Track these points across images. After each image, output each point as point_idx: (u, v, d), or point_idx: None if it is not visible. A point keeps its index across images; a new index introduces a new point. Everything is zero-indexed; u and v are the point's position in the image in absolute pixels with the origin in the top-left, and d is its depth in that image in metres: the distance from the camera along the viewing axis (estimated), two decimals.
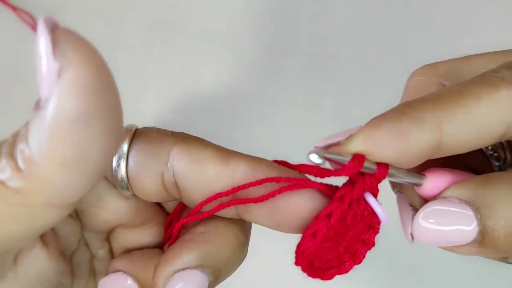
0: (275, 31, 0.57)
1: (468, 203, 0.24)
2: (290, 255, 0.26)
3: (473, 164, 0.31)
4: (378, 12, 0.57)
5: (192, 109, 0.54)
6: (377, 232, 0.27)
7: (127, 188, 0.25)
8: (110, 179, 0.26)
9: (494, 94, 0.24)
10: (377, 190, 0.25)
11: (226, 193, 0.24)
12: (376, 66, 0.54)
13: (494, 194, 0.24)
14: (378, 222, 0.26)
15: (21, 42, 0.56)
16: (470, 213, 0.24)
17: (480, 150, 0.32)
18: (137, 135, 0.26)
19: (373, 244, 0.27)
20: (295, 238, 0.25)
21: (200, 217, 0.25)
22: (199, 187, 0.25)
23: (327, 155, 0.23)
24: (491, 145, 0.31)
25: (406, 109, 0.24)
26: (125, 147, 0.25)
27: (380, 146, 0.23)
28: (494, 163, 0.32)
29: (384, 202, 0.26)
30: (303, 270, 0.26)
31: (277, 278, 0.49)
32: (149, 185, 0.25)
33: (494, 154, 0.32)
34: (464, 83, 0.25)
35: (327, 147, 0.24)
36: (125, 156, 0.25)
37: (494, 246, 0.24)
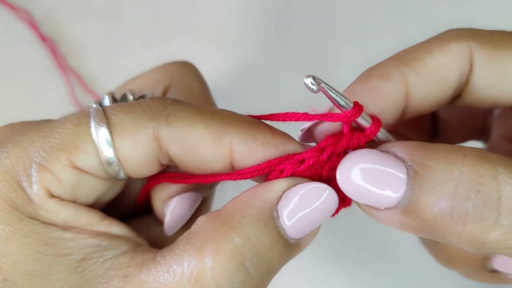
0: (275, 30, 0.56)
1: (404, 161, 0.23)
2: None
3: None
4: (378, 11, 0.57)
5: None
6: (348, 205, 0.27)
7: (123, 174, 0.27)
8: (100, 173, 0.27)
9: (444, 47, 0.27)
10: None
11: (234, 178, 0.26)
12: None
13: (434, 157, 0.22)
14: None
15: (20, 40, 0.55)
16: (403, 172, 0.22)
17: None
18: (112, 124, 0.26)
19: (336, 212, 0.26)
20: None
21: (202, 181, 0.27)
22: (199, 168, 0.26)
23: (324, 86, 0.23)
24: None
25: (372, 71, 0.27)
26: (106, 135, 0.25)
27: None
28: None
29: None
30: None
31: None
32: (149, 173, 0.27)
33: None
34: (420, 43, 0.28)
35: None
36: (112, 146, 0.25)
37: (420, 218, 0.22)
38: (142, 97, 0.29)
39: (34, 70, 0.54)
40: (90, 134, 0.25)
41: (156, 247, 0.30)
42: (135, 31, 0.56)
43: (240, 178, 0.26)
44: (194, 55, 0.56)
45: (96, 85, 0.54)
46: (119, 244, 0.26)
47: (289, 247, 0.25)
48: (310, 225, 0.24)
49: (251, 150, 0.25)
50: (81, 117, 0.26)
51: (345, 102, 0.23)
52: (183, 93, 0.31)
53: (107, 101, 0.28)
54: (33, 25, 0.55)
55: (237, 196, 0.25)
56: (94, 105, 0.28)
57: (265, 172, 0.25)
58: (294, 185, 0.25)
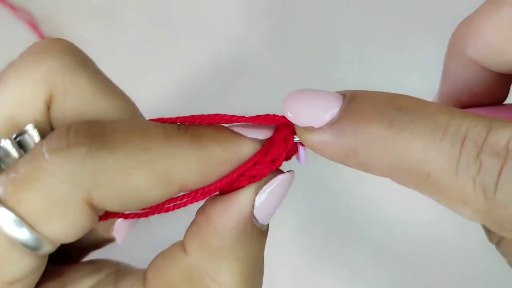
0: (276, 31, 0.56)
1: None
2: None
3: None
4: (379, 11, 0.57)
5: (191, 105, 0.54)
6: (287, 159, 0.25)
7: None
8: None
9: None
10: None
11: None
12: (377, 65, 0.54)
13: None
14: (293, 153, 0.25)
15: (20, 40, 0.55)
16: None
17: None
18: (25, 215, 0.20)
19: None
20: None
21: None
22: (144, 207, 0.23)
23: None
24: None
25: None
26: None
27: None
28: None
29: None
30: None
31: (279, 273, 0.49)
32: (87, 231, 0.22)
33: None
34: None
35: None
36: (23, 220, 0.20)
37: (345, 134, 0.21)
38: (22, 134, 0.22)
39: None
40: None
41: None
42: (136, 31, 0.56)
43: (204, 198, 0.23)
44: (195, 55, 0.56)
45: None
46: None
47: (265, 233, 0.25)
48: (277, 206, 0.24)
49: (207, 177, 0.22)
50: None
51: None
52: (74, 103, 0.23)
53: (11, 153, 0.21)
54: (33, 25, 0.55)
55: (195, 233, 0.23)
56: None
57: (233, 181, 0.23)
58: (261, 188, 0.23)
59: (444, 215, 0.27)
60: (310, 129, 0.22)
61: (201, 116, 0.23)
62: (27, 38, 0.55)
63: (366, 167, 0.21)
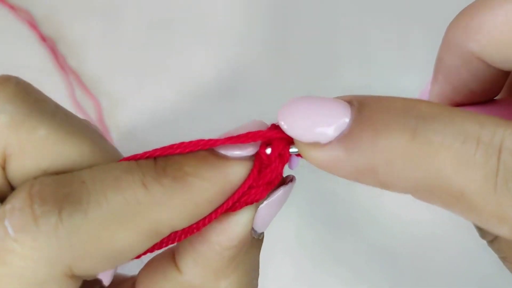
0: (276, 31, 0.56)
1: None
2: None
3: None
4: (380, 12, 0.57)
5: (191, 106, 0.54)
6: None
7: None
8: None
9: None
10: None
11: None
12: (377, 64, 0.54)
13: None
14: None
15: (20, 40, 0.55)
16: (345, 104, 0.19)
17: None
18: None
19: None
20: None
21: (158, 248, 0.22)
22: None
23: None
24: None
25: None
26: None
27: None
28: None
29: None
30: None
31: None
32: None
33: None
34: None
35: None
36: None
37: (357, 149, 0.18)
38: None
39: (34, 71, 0.54)
40: None
41: None
42: (136, 31, 0.56)
43: (199, 230, 0.21)
44: (194, 55, 0.56)
45: (96, 85, 0.54)
46: None
47: (262, 240, 0.24)
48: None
49: (199, 216, 0.20)
50: None
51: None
52: (34, 159, 0.19)
53: None
54: (33, 25, 0.55)
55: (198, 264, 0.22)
56: None
57: (228, 208, 0.21)
58: (258, 207, 0.22)
59: (446, 214, 0.27)
60: (315, 144, 0.19)
61: (180, 145, 0.20)
62: (27, 38, 0.55)
63: (385, 185, 0.19)
